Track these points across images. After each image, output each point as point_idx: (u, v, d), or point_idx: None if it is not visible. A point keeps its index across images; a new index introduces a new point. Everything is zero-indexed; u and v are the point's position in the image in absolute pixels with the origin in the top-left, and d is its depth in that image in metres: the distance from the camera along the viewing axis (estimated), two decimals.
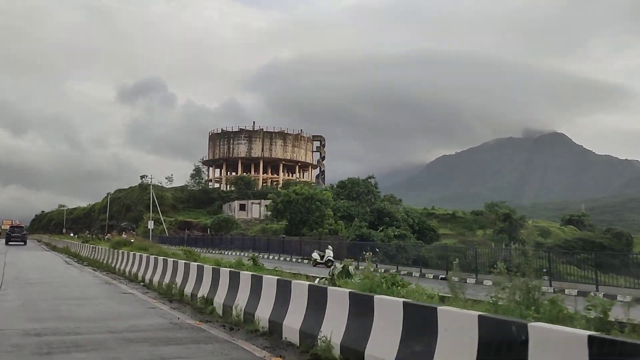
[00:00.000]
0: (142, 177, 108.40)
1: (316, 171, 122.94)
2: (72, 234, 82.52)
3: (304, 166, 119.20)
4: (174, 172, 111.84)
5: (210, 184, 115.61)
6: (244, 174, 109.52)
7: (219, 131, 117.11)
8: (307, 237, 44.51)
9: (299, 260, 33.05)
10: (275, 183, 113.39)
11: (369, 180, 66.94)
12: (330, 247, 29.56)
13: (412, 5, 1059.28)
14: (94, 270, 23.19)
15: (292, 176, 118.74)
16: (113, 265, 22.30)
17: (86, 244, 33.19)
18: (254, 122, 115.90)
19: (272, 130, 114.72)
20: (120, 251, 22.12)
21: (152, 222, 66.74)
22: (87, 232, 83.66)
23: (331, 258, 27.21)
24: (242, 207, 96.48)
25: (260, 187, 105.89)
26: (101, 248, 26.75)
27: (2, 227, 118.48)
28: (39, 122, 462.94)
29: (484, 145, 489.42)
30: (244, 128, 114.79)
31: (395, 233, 47.15)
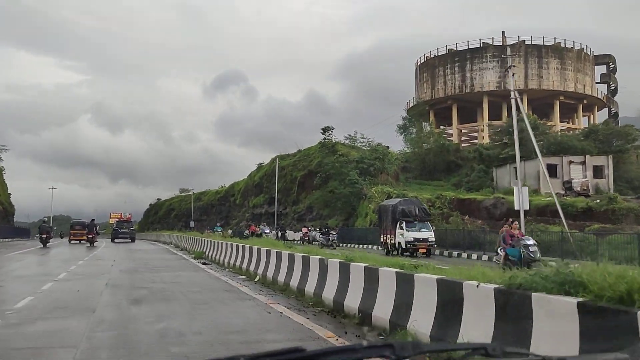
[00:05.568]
0: (324, 129, 63.55)
1: (602, 114, 72.50)
2: (248, 232, 38.60)
3: (589, 106, 69.13)
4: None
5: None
6: (490, 121, 62.26)
7: (442, 52, 69.48)
8: None
9: None
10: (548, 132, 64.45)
11: None
12: None
13: None
14: None
15: (568, 121, 69.70)
16: None
17: None
18: (503, 31, 67.53)
19: (541, 43, 65.73)
20: None
21: None
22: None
23: None
24: (553, 172, 48.58)
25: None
26: None
27: (110, 221, 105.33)
28: (134, 121, 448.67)
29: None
30: (488, 43, 66.65)
31: None
